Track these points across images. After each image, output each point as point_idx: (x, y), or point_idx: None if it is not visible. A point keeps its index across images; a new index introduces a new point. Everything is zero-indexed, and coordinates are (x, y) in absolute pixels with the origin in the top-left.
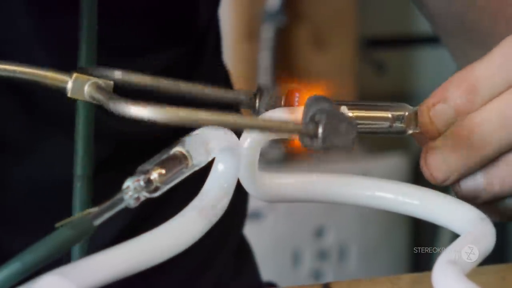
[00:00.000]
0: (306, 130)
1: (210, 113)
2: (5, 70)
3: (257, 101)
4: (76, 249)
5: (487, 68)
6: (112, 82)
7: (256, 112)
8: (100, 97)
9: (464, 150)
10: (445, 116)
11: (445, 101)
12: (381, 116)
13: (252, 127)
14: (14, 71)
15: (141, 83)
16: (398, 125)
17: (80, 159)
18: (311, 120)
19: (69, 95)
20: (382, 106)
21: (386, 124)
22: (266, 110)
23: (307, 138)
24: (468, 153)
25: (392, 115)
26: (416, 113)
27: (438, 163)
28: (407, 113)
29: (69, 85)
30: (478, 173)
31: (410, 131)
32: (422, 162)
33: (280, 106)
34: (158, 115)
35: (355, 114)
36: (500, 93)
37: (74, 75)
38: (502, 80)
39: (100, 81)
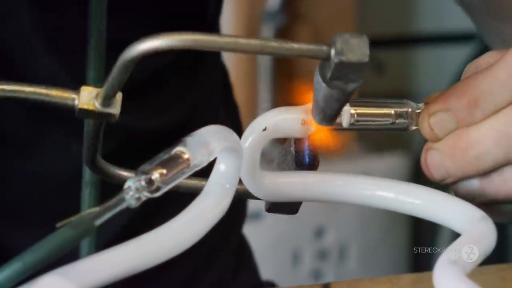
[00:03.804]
0: (321, 50)
1: (223, 36)
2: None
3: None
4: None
5: (491, 83)
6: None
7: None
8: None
9: (461, 161)
10: (444, 125)
11: (445, 110)
12: (384, 113)
13: (266, 50)
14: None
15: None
16: (401, 121)
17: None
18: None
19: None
20: (384, 103)
21: (388, 120)
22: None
23: (324, 63)
24: (465, 165)
25: (395, 111)
26: (418, 112)
27: (436, 164)
28: (410, 110)
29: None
30: (474, 178)
31: (413, 128)
32: (422, 160)
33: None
34: (173, 41)
35: (358, 111)
36: (501, 109)
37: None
38: (504, 96)
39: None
